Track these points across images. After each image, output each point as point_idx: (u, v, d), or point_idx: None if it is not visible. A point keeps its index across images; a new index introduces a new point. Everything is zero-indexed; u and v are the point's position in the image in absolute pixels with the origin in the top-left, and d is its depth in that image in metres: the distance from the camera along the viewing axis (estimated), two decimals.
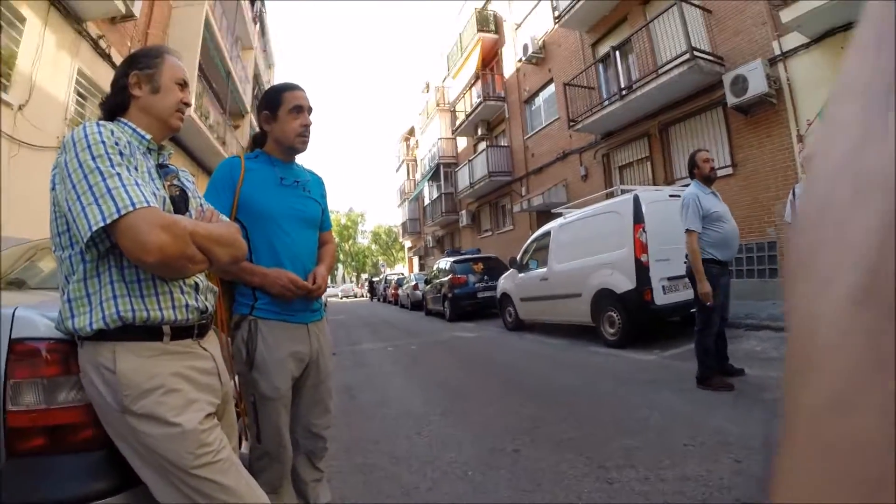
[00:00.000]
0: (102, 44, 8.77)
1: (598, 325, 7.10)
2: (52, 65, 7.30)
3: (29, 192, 5.74)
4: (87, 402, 1.41)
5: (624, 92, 11.03)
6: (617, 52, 11.30)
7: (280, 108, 2.11)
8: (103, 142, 1.30)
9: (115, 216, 1.21)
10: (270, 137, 2.16)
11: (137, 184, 1.29)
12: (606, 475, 2.64)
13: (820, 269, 0.22)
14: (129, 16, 9.12)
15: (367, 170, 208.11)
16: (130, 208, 1.23)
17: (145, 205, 1.26)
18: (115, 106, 1.52)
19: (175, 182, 1.55)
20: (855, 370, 0.19)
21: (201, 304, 1.51)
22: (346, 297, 50.51)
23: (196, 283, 1.51)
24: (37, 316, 1.46)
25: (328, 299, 30.02)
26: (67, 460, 1.42)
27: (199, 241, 1.36)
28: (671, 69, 9.58)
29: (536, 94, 17.27)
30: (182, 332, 1.44)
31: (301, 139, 2.13)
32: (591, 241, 7.38)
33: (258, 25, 22.63)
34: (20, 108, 6.57)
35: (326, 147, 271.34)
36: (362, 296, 45.15)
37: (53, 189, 1.34)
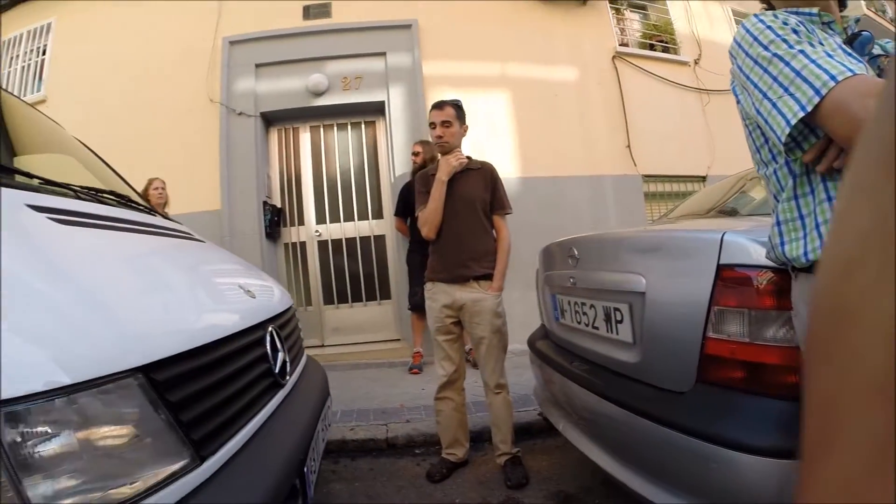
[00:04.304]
0: None
1: None
2: (707, 19, 7.86)
3: (721, 132, 6.61)
4: (796, 345, 1.22)
5: None
6: None
7: None
8: (769, 27, 1.06)
9: (816, 99, 0.94)
10: None
11: (829, 55, 0.99)
12: None
13: (842, 350, 0.21)
14: None
15: None
16: (831, 83, 0.93)
17: (848, 74, 0.94)
18: None
19: (873, 51, 1.18)
20: (872, 455, 0.19)
21: None
22: None
23: None
24: (748, 242, 1.35)
25: None
26: (755, 403, 1.30)
27: None
28: None
29: None
30: None
31: None
32: None
33: None
34: (695, 62, 7.36)
35: None
36: None
37: (739, 103, 1.19)
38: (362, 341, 5.69)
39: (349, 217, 5.87)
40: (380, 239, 5.86)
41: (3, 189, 1.25)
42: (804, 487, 0.23)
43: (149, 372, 0.96)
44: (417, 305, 4.64)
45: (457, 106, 2.71)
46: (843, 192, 0.23)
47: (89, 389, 0.86)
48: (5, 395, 0.75)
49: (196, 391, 1.08)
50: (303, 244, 5.86)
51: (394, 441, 3.11)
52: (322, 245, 5.85)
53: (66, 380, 0.83)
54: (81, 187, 1.64)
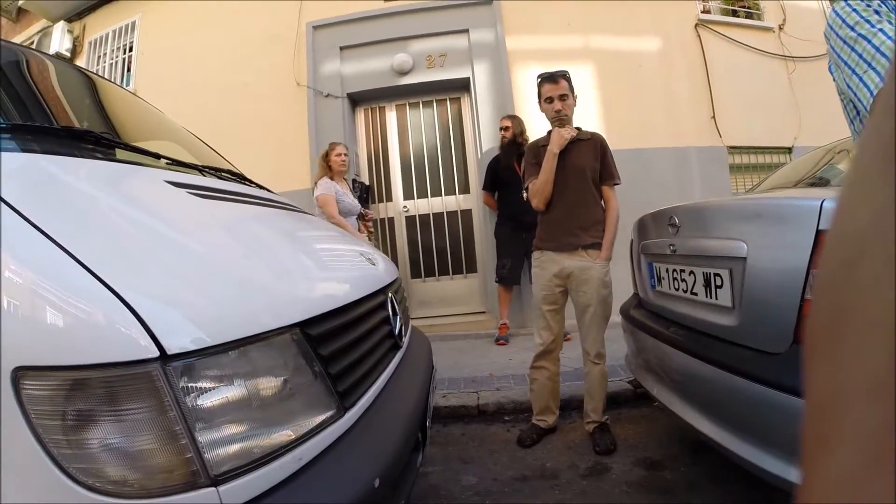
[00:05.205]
0: None
1: None
2: None
3: (808, 101, 6.42)
4: None
5: None
6: None
7: None
8: (854, 10, 1.24)
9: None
10: None
11: None
12: None
13: (842, 347, 0.22)
14: None
15: None
16: None
17: None
18: None
19: None
20: (871, 452, 0.19)
21: None
22: None
23: None
24: None
25: None
26: None
27: None
28: None
29: None
30: None
31: None
32: None
33: None
34: (780, 27, 7.06)
35: None
36: None
37: (835, 80, 1.34)
38: (448, 314, 5.86)
39: (436, 192, 6.02)
40: (466, 213, 5.98)
41: (144, 168, 1.42)
42: (804, 484, 0.23)
43: (304, 327, 1.08)
44: (504, 278, 4.77)
45: (568, 78, 2.72)
46: (844, 189, 0.24)
47: (256, 343, 0.96)
48: (181, 349, 0.82)
49: (340, 347, 1.21)
50: (391, 220, 6.07)
51: (484, 408, 3.25)
52: (410, 220, 6.04)
53: (236, 334, 0.91)
54: (204, 166, 1.81)
